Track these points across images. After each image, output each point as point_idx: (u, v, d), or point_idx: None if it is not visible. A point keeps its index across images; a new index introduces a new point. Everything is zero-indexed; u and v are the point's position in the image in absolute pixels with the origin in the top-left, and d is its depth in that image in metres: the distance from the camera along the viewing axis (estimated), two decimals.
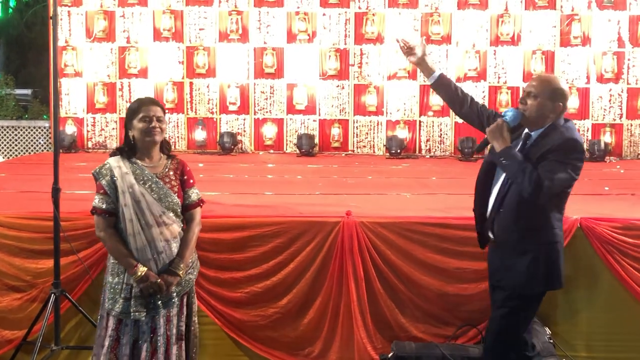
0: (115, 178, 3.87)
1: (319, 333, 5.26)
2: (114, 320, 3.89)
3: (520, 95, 4.06)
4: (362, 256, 5.20)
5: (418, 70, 11.47)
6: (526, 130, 3.99)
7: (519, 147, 3.96)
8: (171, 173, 4.05)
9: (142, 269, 3.82)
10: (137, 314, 3.85)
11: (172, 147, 10.80)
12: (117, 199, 3.85)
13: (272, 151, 11.76)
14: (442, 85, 4.37)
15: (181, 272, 3.94)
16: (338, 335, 5.24)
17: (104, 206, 3.87)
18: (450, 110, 11.49)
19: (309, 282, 5.24)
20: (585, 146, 3.93)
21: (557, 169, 3.73)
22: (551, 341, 5.01)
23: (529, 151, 3.89)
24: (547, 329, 5.10)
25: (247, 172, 9.13)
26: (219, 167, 9.53)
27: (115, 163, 3.93)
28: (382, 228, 5.25)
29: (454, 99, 4.38)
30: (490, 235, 4.08)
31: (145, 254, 3.87)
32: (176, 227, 3.99)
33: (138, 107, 3.97)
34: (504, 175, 3.98)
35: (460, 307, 5.26)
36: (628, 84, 11.60)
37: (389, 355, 4.86)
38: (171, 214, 3.96)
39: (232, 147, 11.46)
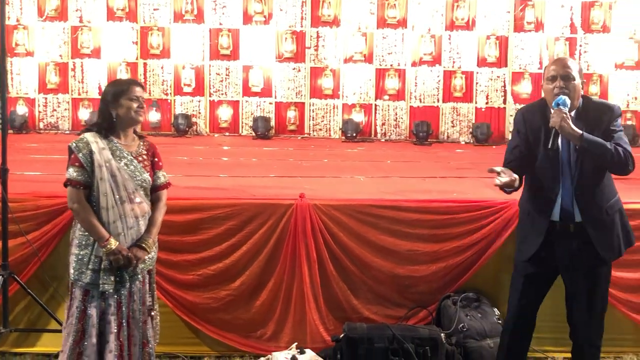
0: (93, 152, 3.90)
1: (272, 315, 5.28)
2: (80, 291, 3.93)
3: (549, 83, 4.00)
4: (315, 238, 5.21)
5: (374, 53, 11.60)
6: None
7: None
8: (144, 153, 4.13)
9: (113, 242, 3.87)
10: (105, 285, 3.90)
11: None
12: (93, 173, 3.89)
13: (227, 134, 11.69)
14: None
15: (148, 247, 4.02)
16: (290, 317, 5.26)
17: (79, 177, 3.89)
18: (406, 94, 11.64)
19: (262, 265, 5.24)
20: None
21: (624, 138, 3.95)
22: (500, 322, 5.09)
23: (596, 132, 3.93)
24: (495, 309, 5.19)
25: (201, 155, 9.09)
26: (173, 149, 9.43)
27: (92, 138, 3.96)
28: (335, 210, 5.28)
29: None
30: (577, 219, 4.01)
31: (117, 228, 3.92)
32: (145, 206, 4.07)
33: (128, 87, 4.04)
34: (564, 161, 3.99)
35: (411, 288, 5.31)
36: None
37: (341, 336, 4.89)
38: (142, 192, 4.04)
39: (187, 129, 11.36)
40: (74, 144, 3.94)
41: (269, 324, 5.28)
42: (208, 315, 5.24)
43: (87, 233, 3.92)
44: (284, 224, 5.22)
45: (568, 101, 3.89)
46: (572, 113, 3.98)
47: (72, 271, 3.96)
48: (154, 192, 4.17)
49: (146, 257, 4.04)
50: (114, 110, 4.00)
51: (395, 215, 5.30)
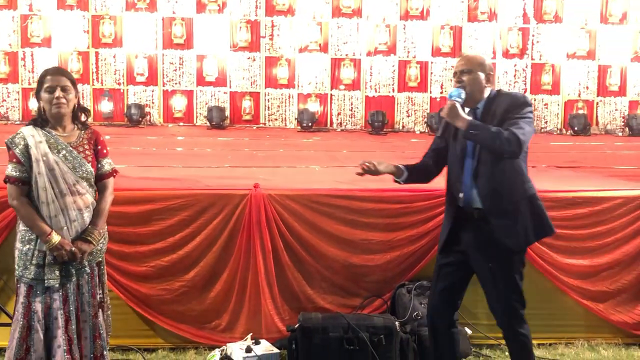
0: (29, 147, 3.81)
1: (227, 306, 5.24)
2: (24, 287, 3.85)
3: (453, 79, 4.15)
4: (269, 229, 5.19)
5: (329, 43, 11.61)
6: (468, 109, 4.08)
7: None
8: (85, 143, 4.00)
9: (56, 237, 3.78)
10: (50, 280, 3.82)
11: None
12: (31, 168, 3.80)
13: (181, 124, 11.60)
14: (414, 172, 4.27)
15: (94, 240, 3.92)
16: (245, 307, 5.23)
17: (16, 174, 3.80)
18: (361, 84, 11.67)
19: (216, 255, 5.20)
20: None
21: (521, 123, 3.89)
22: None
23: (484, 121, 3.98)
24: None
25: (155, 145, 9.00)
26: (126, 140, 9.35)
27: (29, 132, 3.86)
28: (289, 200, 5.25)
29: (427, 172, 4.35)
30: (477, 205, 4.05)
31: (59, 222, 3.83)
32: (89, 197, 3.95)
33: (43, 78, 3.91)
34: (468, 149, 4.05)
35: (365, 277, 5.32)
36: (532, 59, 11.93)
37: (296, 326, 4.88)
38: (84, 184, 3.92)
39: (140, 119, 11.25)
40: (10, 140, 3.85)
41: (223, 315, 5.24)
42: (162, 307, 5.18)
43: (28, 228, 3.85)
44: (238, 215, 5.18)
45: (463, 94, 3.98)
46: (480, 105, 4.05)
47: (16, 267, 3.88)
48: (99, 182, 4.04)
49: (94, 249, 3.96)
50: (41, 103, 3.91)
51: (350, 205, 5.30)
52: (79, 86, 11.10)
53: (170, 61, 11.58)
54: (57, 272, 3.83)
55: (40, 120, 3.91)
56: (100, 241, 4.03)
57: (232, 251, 5.20)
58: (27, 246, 3.85)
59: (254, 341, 5.00)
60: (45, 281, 3.81)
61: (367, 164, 4.16)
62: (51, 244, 3.77)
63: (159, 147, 8.81)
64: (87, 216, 3.93)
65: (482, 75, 4.03)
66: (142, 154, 8.11)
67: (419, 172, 4.31)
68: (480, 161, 4.01)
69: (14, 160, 3.81)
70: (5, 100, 11.37)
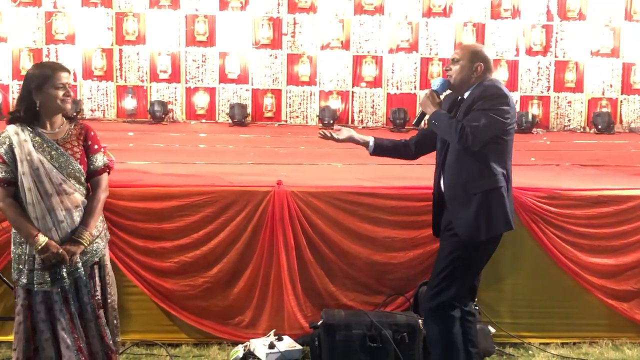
0: (13, 146, 3.74)
1: (249, 302, 5.27)
2: (23, 290, 3.82)
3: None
4: (292, 225, 5.20)
5: (351, 40, 11.58)
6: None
7: (453, 112, 4.14)
8: (73, 139, 3.89)
9: (42, 239, 3.71)
10: (41, 285, 3.76)
11: (102, 116, 10.64)
12: (16, 168, 3.74)
13: (204, 121, 11.63)
14: (382, 148, 4.48)
15: (84, 241, 3.83)
16: (268, 304, 5.25)
17: (1, 175, 3.75)
18: (383, 81, 11.65)
19: (240, 252, 5.22)
20: (512, 101, 4.03)
21: (479, 116, 3.91)
22: (477, 307, 5.10)
23: (462, 109, 4.05)
24: None
25: (178, 142, 9.03)
26: (149, 137, 9.39)
27: (13, 130, 3.77)
28: (312, 197, 5.26)
29: (400, 151, 4.55)
30: (444, 190, 4.19)
31: (46, 223, 3.75)
32: (78, 196, 3.84)
33: (53, 74, 3.80)
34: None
35: (388, 275, 5.32)
36: (556, 57, 11.84)
37: (319, 323, 4.90)
38: (73, 182, 3.82)
39: (163, 116, 11.28)
40: None
41: (246, 311, 5.26)
42: (185, 303, 5.21)
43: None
44: (262, 211, 5.20)
45: (444, 84, 4.15)
46: (466, 95, 4.10)
47: (12, 270, 3.85)
48: (91, 178, 3.94)
49: (89, 249, 3.87)
50: (38, 98, 3.79)
51: (373, 202, 5.30)
52: (103, 83, 11.29)
53: (193, 58, 11.60)
54: (47, 277, 3.75)
55: (30, 116, 3.81)
56: (96, 241, 3.91)
57: (255, 248, 5.22)
58: (19, 249, 3.81)
59: (276, 337, 5.03)
60: (35, 286, 3.74)
61: (327, 132, 4.36)
62: (37, 246, 3.70)
63: (182, 143, 8.84)
64: (77, 216, 3.84)
65: (469, 65, 4.07)
66: (166, 150, 8.15)
67: (389, 149, 4.50)
68: (449, 151, 4.09)
69: (0, 160, 3.75)
70: None
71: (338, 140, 4.42)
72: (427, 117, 4.21)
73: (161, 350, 5.07)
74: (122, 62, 11.57)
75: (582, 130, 11.81)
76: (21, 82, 10.85)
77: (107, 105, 11.58)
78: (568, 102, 11.89)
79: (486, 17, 11.73)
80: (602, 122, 11.40)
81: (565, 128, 11.88)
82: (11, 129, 3.79)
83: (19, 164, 3.72)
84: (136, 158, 6.72)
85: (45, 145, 3.79)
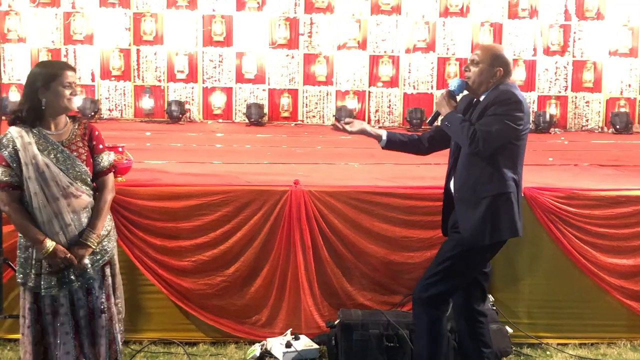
0: (17, 149, 3.63)
1: (266, 301, 5.28)
2: (30, 293, 3.75)
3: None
4: (309, 225, 5.21)
5: (368, 40, 11.58)
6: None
7: (468, 113, 4.12)
8: (78, 139, 3.81)
9: (49, 244, 3.64)
10: (50, 290, 3.70)
11: (119, 116, 10.70)
12: (21, 172, 3.64)
13: (220, 120, 11.67)
14: (394, 142, 4.42)
15: (92, 244, 3.75)
16: (285, 303, 5.26)
17: (6, 179, 3.64)
18: (400, 81, 11.64)
19: (257, 251, 5.23)
20: (526, 106, 4.00)
21: (492, 121, 3.89)
22: (494, 308, 5.11)
23: (475, 114, 4.03)
24: (490, 296, 5.20)
25: (195, 141, 9.07)
26: (166, 136, 9.44)
27: (17, 133, 3.66)
28: (330, 197, 5.27)
29: (412, 146, 4.49)
30: (453, 191, 4.18)
31: (53, 227, 3.68)
32: (86, 198, 3.77)
33: (61, 72, 3.72)
34: None
35: (405, 275, 5.31)
36: (574, 56, 11.78)
37: (335, 322, 4.90)
38: (79, 184, 3.74)
39: (180, 115, 11.33)
40: None
41: (263, 310, 5.27)
42: (203, 301, 5.23)
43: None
44: (279, 211, 5.21)
45: (462, 85, 4.10)
46: (482, 97, 4.06)
47: (17, 274, 3.78)
48: (97, 178, 3.86)
49: (98, 248, 3.80)
50: (43, 97, 3.68)
51: (390, 202, 5.30)
52: (121, 83, 11.35)
53: (210, 58, 11.64)
54: (54, 281, 3.70)
55: (33, 116, 3.71)
56: (103, 242, 3.85)
57: (272, 247, 5.23)
58: (26, 253, 3.75)
59: (293, 336, 5.04)
60: (43, 291, 3.69)
61: (339, 124, 4.37)
62: (45, 251, 3.64)
63: (199, 143, 8.88)
64: (85, 218, 3.78)
65: (489, 69, 4.01)
66: (183, 150, 8.18)
67: (402, 143, 4.43)
68: (461, 153, 4.07)
69: (3, 163, 3.65)
70: None
71: (351, 132, 4.39)
72: (441, 117, 4.20)
73: (179, 348, 5.09)
74: (140, 62, 11.63)
75: (600, 130, 11.75)
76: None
77: (124, 105, 11.64)
78: (586, 102, 11.84)
79: (503, 16, 11.70)
80: (620, 122, 11.33)
81: (583, 128, 11.82)
82: (15, 131, 3.69)
83: (24, 167, 3.63)
84: (153, 157, 6.75)
85: (50, 148, 3.70)
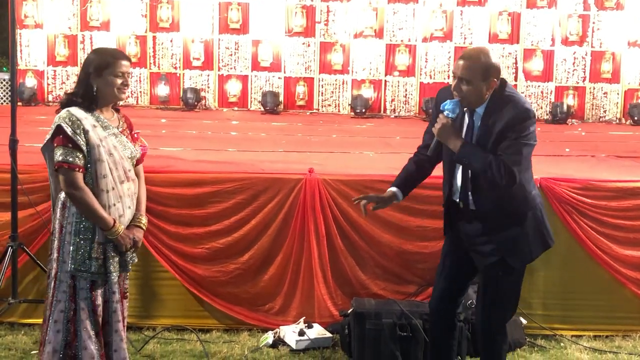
0: (87, 130, 3.58)
1: (280, 289, 5.28)
2: (85, 282, 3.66)
3: (453, 81, 3.82)
4: (324, 213, 5.20)
5: (385, 29, 11.53)
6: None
7: (466, 124, 3.83)
8: (125, 127, 3.87)
9: (120, 226, 3.66)
10: (113, 274, 3.70)
11: (135, 102, 10.74)
12: (89, 153, 3.59)
13: (236, 108, 11.68)
14: (407, 187, 4.17)
15: (144, 225, 3.86)
16: (299, 291, 5.26)
17: (75, 160, 3.56)
18: (416, 70, 11.58)
19: (271, 239, 5.23)
20: (541, 108, 3.83)
21: (519, 147, 3.65)
22: None
23: (482, 129, 3.76)
24: None
25: (210, 129, 9.07)
26: (181, 123, 9.45)
27: (81, 114, 3.61)
28: (344, 186, 5.25)
29: (421, 176, 4.24)
30: (471, 206, 3.89)
31: (117, 210, 3.68)
32: (137, 182, 3.86)
33: (115, 61, 3.68)
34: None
35: (419, 264, 5.30)
36: (592, 47, 11.68)
37: (349, 311, 4.90)
38: (132, 169, 3.81)
39: (196, 103, 11.34)
40: (64, 123, 3.57)
41: (277, 298, 5.28)
42: (216, 289, 5.24)
43: (83, 219, 3.64)
44: (293, 199, 5.20)
45: (457, 108, 3.72)
46: (480, 109, 3.76)
47: (69, 262, 3.65)
48: (135, 166, 3.89)
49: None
50: (95, 83, 3.66)
51: None
52: (137, 70, 11.38)
53: (226, 46, 11.64)
54: (118, 264, 3.73)
55: (88, 100, 3.68)
56: None
57: (286, 235, 5.23)
58: (84, 239, 3.67)
59: (306, 325, 5.04)
60: (109, 274, 3.69)
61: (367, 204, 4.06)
62: (116, 233, 3.64)
63: (214, 130, 8.88)
64: (135, 202, 3.83)
65: (483, 84, 3.70)
66: (198, 137, 8.19)
67: (414, 181, 4.19)
68: (474, 174, 3.80)
69: (70, 145, 3.57)
70: (64, 83, 11.56)
71: (374, 209, 4.16)
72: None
73: (192, 335, 5.10)
74: (156, 49, 11.65)
75: (617, 121, 11.66)
76: (56, 69, 10.85)
77: (140, 92, 11.67)
78: (604, 93, 11.74)
79: (522, 6, 11.61)
80: (639, 113, 11.23)
81: (601, 119, 11.73)
82: (77, 112, 3.63)
83: (93, 149, 3.59)
84: (169, 144, 6.75)
85: (110, 132, 3.71)
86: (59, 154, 3.58)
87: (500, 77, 3.79)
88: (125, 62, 3.73)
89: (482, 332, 4.10)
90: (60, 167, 3.59)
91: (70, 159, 3.56)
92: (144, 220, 3.88)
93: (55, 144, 3.62)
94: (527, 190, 3.83)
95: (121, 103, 3.94)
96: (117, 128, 3.78)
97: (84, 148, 3.58)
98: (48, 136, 3.68)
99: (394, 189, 4.10)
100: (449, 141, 3.76)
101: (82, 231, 3.66)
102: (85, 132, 3.58)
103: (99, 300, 3.71)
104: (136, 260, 3.91)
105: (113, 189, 3.66)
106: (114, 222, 3.64)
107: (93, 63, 3.68)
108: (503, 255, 3.85)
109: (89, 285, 3.68)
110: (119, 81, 3.69)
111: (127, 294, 3.97)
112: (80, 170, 3.59)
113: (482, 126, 3.76)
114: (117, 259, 3.73)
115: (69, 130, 3.56)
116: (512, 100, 3.73)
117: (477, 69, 3.70)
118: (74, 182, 3.57)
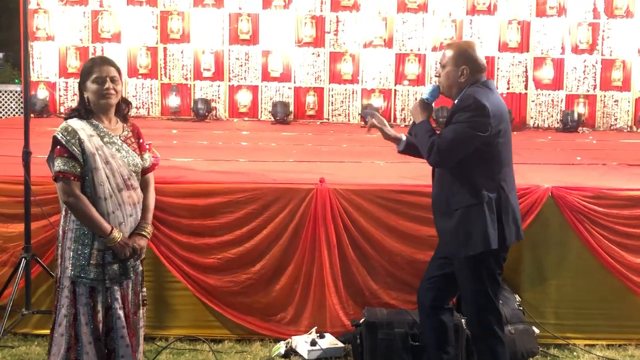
0: (82, 140, 3.66)
1: (292, 299, 5.28)
2: (85, 288, 3.71)
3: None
4: (335, 223, 5.20)
5: (394, 38, 11.55)
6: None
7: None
8: (131, 135, 3.90)
9: (117, 234, 3.69)
10: (112, 280, 3.73)
11: (146, 113, 10.77)
12: (85, 162, 3.66)
13: (246, 118, 11.71)
14: (411, 146, 4.17)
15: (147, 234, 3.88)
16: (310, 301, 5.26)
17: (71, 170, 3.64)
18: (426, 79, 11.59)
19: (282, 249, 5.24)
20: (495, 108, 3.79)
21: (451, 131, 3.79)
22: (520, 308, 5.07)
23: (447, 118, 3.95)
24: (516, 296, 5.16)
25: (221, 139, 9.10)
26: (192, 134, 9.48)
27: (78, 125, 3.70)
28: (355, 195, 5.26)
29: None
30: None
31: (117, 218, 3.73)
32: (139, 191, 3.87)
33: (91, 68, 3.76)
34: None
35: None
36: (602, 55, 11.66)
37: (361, 321, 4.89)
38: (135, 178, 3.84)
39: (207, 113, 11.39)
40: (60, 134, 3.67)
41: (288, 308, 5.28)
42: (228, 299, 5.25)
43: (83, 226, 3.70)
44: (304, 209, 5.21)
45: (435, 90, 3.98)
46: (457, 100, 3.90)
47: (70, 268, 3.71)
48: (143, 175, 3.95)
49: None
50: (86, 94, 3.75)
51: (416, 201, 5.27)
52: (148, 81, 11.41)
53: (236, 57, 11.69)
54: (116, 271, 3.75)
55: (84, 112, 3.76)
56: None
57: (297, 245, 5.24)
58: (84, 245, 3.72)
59: (318, 335, 5.04)
60: (107, 282, 3.72)
61: (377, 123, 4.17)
62: (114, 240, 3.67)
63: (225, 141, 8.90)
64: (139, 210, 3.86)
65: (455, 70, 3.87)
66: (209, 147, 8.22)
67: (417, 148, 4.15)
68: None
69: (65, 155, 3.64)
70: (76, 95, 11.59)
71: (370, 126, 4.23)
72: None
73: (204, 345, 5.10)
74: (167, 60, 11.71)
75: (628, 129, 11.62)
76: (67, 80, 10.91)
77: (151, 103, 11.73)
78: (615, 101, 11.71)
79: (531, 14, 11.61)
80: None
81: (612, 127, 11.70)
82: (76, 123, 3.72)
83: (89, 158, 3.66)
84: (180, 155, 6.78)
85: (110, 140, 3.76)
86: (57, 164, 3.68)
87: (482, 72, 3.92)
88: (104, 67, 3.77)
89: (473, 334, 4.18)
90: (57, 177, 3.68)
91: (66, 168, 3.64)
92: (148, 228, 3.89)
93: (55, 155, 3.71)
94: (475, 186, 3.82)
95: (132, 113, 3.96)
96: (119, 137, 3.82)
97: (80, 157, 3.66)
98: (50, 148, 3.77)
99: (403, 136, 4.21)
100: (414, 117, 4.00)
101: (82, 238, 3.73)
102: (81, 142, 3.66)
103: (99, 307, 3.74)
104: (140, 268, 3.93)
105: (111, 196, 3.71)
106: (112, 229, 3.68)
107: (81, 73, 3.82)
108: (446, 247, 3.99)
109: (89, 291, 3.73)
110: (100, 86, 3.73)
111: (146, 301, 4.01)
112: (76, 178, 3.66)
113: (448, 115, 3.94)
114: (116, 266, 3.75)
115: (63, 140, 3.65)
116: (474, 92, 3.82)
117: (452, 56, 3.93)
118: (70, 190, 3.65)
